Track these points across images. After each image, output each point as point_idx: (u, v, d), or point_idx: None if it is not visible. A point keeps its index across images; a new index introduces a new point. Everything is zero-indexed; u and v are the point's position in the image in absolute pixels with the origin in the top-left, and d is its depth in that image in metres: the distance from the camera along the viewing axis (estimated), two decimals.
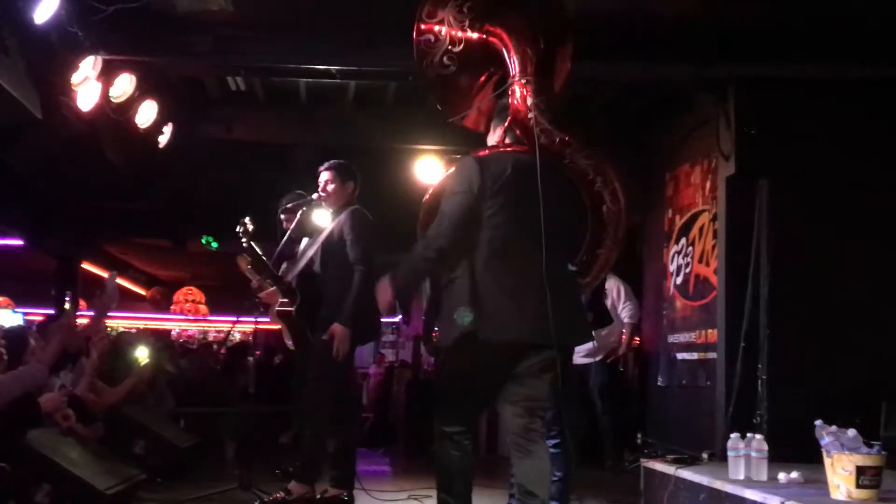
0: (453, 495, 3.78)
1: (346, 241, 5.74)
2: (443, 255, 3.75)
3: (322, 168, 5.97)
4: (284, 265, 6.28)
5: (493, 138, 4.14)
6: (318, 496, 5.75)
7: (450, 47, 4.16)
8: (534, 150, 3.80)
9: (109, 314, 5.65)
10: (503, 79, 4.18)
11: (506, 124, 4.05)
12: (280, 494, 5.73)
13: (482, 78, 4.31)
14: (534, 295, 3.65)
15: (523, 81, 4.02)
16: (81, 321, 6.03)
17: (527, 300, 3.68)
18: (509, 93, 4.06)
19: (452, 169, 4.01)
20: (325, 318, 5.67)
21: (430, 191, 4.24)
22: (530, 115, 3.92)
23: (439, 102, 4.48)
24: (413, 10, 4.18)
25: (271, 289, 6.13)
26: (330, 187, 5.91)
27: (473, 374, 3.77)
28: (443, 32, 4.17)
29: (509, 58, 4.09)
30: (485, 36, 4.16)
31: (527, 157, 3.82)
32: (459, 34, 4.16)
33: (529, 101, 3.96)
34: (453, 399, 3.84)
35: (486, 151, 4.02)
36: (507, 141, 4.05)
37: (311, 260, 5.99)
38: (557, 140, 3.98)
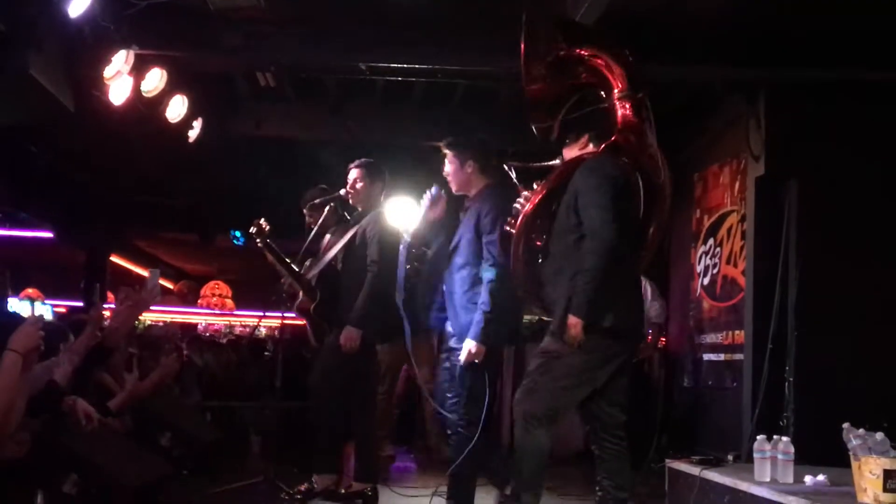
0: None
1: (367, 243, 5.76)
2: (616, 240, 4.09)
3: (352, 165, 5.99)
4: (308, 262, 6.31)
5: (576, 147, 4.46)
6: (343, 490, 5.78)
7: (548, 59, 4.51)
8: (642, 159, 4.32)
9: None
10: (584, 88, 4.54)
11: (613, 136, 4.32)
12: (304, 486, 5.77)
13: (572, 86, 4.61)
14: (636, 291, 4.47)
15: (636, 97, 4.33)
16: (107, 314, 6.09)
17: (634, 297, 4.42)
18: (612, 105, 4.35)
19: (582, 170, 4.26)
20: (343, 317, 5.71)
21: (536, 198, 4.40)
22: (644, 127, 4.31)
23: (534, 107, 4.60)
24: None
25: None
26: (358, 185, 5.92)
27: (597, 364, 4.22)
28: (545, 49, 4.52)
29: (612, 74, 4.36)
30: (586, 54, 4.48)
31: (630, 166, 4.31)
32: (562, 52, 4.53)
33: (643, 114, 4.30)
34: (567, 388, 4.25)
35: (601, 157, 4.32)
36: (594, 148, 4.38)
37: (335, 259, 6.02)
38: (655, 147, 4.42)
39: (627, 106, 4.29)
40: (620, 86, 4.31)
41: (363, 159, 6.02)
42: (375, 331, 5.75)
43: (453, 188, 5.25)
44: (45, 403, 4.41)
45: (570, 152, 4.48)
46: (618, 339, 4.25)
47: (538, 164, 4.57)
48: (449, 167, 5.20)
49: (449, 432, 5.06)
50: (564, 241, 4.28)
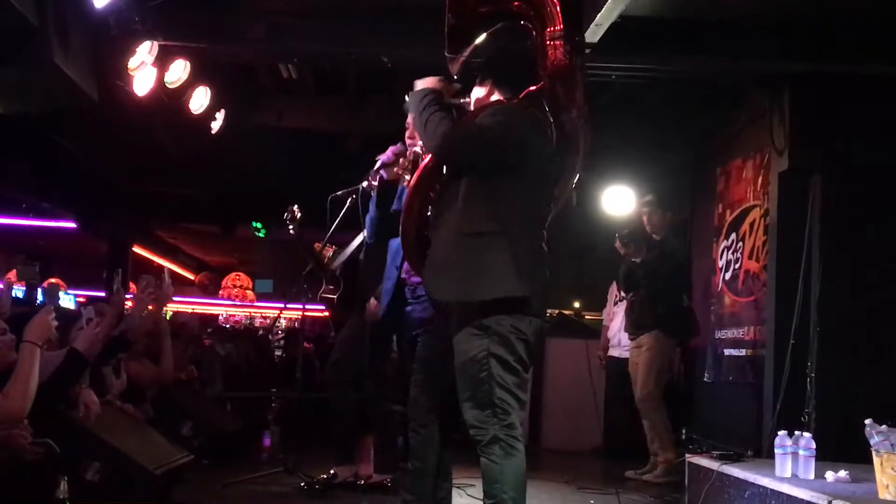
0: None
1: None
2: (454, 145, 3.44)
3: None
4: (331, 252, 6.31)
5: (484, 92, 3.72)
6: (362, 481, 5.80)
7: None
8: (565, 116, 3.61)
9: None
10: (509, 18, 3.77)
11: (538, 82, 3.60)
12: (324, 476, 5.80)
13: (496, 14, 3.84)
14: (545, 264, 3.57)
15: (574, 40, 3.65)
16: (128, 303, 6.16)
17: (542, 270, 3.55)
18: (542, 46, 3.61)
19: (485, 113, 3.54)
20: (361, 303, 5.70)
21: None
22: (577, 77, 3.65)
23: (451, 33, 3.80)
24: None
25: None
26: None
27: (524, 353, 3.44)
28: None
29: (550, 8, 3.62)
30: None
31: (549, 120, 3.59)
32: None
33: (577, 62, 3.65)
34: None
35: (515, 104, 3.59)
36: (504, 96, 3.66)
37: (358, 248, 6.01)
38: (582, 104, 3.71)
39: (561, 49, 3.57)
40: (557, 23, 3.58)
41: None
42: None
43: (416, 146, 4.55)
44: (68, 372, 4.47)
45: (480, 97, 3.74)
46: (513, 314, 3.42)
47: (448, 100, 3.82)
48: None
49: None
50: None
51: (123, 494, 4.50)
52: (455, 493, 6.03)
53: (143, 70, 6.38)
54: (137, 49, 6.24)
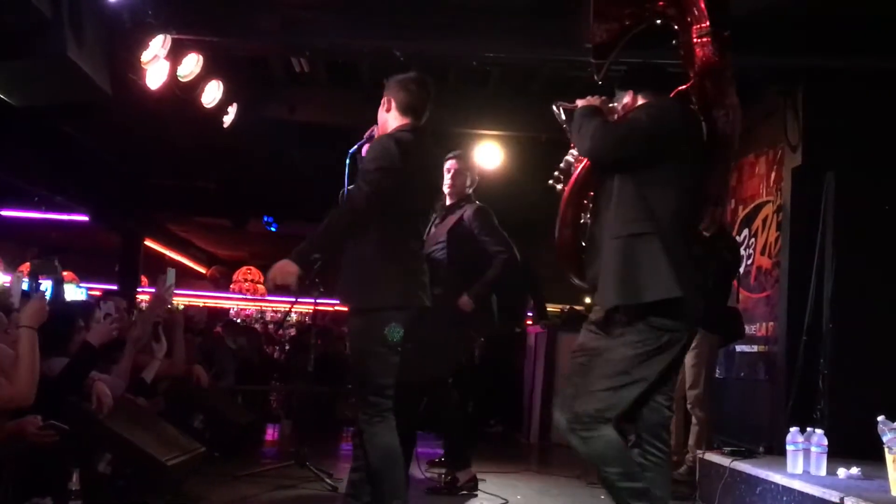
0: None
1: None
2: (606, 140, 3.52)
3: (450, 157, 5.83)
4: None
5: (627, 99, 3.75)
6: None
7: None
8: (716, 111, 3.63)
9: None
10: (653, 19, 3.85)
11: (686, 82, 3.67)
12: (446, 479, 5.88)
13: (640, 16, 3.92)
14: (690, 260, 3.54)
15: (722, 35, 3.65)
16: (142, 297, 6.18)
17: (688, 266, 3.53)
18: (689, 43, 3.68)
19: (637, 110, 3.65)
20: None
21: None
22: (727, 72, 3.67)
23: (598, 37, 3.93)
24: None
25: None
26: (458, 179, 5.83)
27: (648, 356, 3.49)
28: None
29: (694, 5, 3.67)
30: None
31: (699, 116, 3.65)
32: None
33: (727, 58, 3.66)
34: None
35: (668, 100, 3.68)
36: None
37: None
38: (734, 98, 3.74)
39: (709, 45, 3.60)
40: (704, 21, 3.61)
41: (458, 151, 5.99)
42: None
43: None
44: (81, 365, 4.48)
45: (626, 102, 3.76)
46: (674, 321, 3.48)
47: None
48: None
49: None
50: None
51: (135, 486, 4.52)
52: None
53: (156, 63, 6.39)
54: (150, 42, 6.25)
